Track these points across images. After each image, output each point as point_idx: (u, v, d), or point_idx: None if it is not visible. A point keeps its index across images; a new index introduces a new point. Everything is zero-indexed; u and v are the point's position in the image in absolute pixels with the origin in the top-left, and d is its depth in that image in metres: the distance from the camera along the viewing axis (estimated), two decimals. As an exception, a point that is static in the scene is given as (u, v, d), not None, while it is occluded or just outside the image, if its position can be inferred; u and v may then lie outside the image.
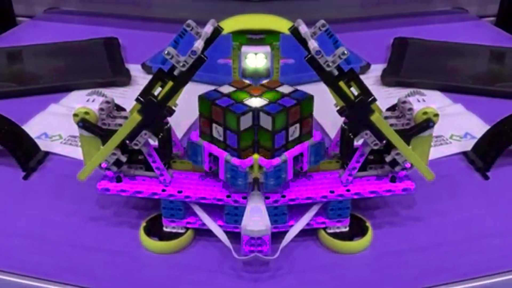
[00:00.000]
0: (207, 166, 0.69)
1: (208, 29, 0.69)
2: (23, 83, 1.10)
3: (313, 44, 0.64)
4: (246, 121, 0.65)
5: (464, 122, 0.96)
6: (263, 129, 0.65)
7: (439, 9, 1.53)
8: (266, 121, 0.65)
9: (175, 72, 0.66)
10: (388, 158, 0.69)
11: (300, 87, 0.72)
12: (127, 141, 0.68)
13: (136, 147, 0.68)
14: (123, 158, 0.69)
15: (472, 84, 1.09)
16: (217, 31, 0.69)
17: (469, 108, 1.01)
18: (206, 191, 0.69)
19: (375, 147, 0.68)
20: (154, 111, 0.67)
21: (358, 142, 0.69)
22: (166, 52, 0.64)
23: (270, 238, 0.65)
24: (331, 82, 0.65)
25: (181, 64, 0.64)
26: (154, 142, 0.69)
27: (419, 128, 0.68)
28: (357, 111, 0.66)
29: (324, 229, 0.71)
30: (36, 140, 0.89)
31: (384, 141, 0.67)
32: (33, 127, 0.93)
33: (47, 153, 0.88)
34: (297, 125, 0.68)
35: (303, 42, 0.68)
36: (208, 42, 0.68)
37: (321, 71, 0.65)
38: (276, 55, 0.75)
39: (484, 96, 1.06)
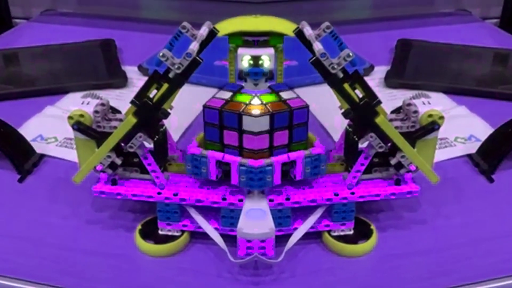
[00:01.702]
0: (214, 175, 0.68)
1: (204, 31, 0.68)
2: (19, 85, 1.10)
3: (318, 46, 0.64)
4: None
5: (469, 124, 0.96)
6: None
7: (442, 11, 1.53)
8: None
9: (170, 75, 0.65)
10: (393, 161, 0.68)
11: (303, 89, 0.71)
12: (122, 144, 0.67)
13: (131, 150, 0.67)
14: (118, 161, 0.68)
15: (476, 86, 1.08)
16: (212, 33, 0.69)
17: (473, 111, 1.00)
18: (202, 194, 0.69)
19: (380, 150, 0.67)
20: (149, 114, 0.66)
21: (362, 145, 0.68)
22: (161, 54, 0.63)
23: (274, 241, 0.65)
24: (336, 84, 0.65)
25: (176, 67, 0.64)
26: (149, 145, 0.69)
27: (424, 130, 0.67)
28: (362, 114, 0.65)
29: (329, 232, 0.70)
30: (32, 143, 0.88)
31: (389, 144, 0.67)
32: (29, 130, 0.92)
33: (42, 156, 0.88)
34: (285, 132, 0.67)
35: (308, 44, 0.67)
36: (204, 44, 0.68)
37: (326, 74, 0.64)
38: (280, 57, 0.75)
39: (488, 98, 1.06)
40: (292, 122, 0.66)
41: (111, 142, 0.67)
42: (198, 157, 0.67)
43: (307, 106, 0.66)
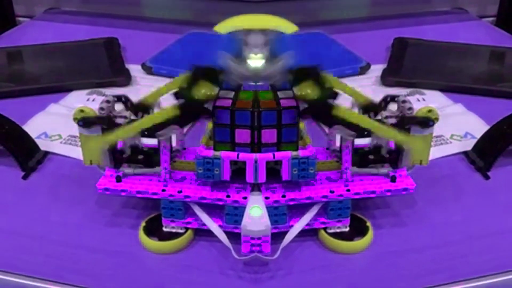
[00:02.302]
0: (228, 175, 0.68)
1: None
2: (23, 83, 1.11)
3: None
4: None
5: (465, 122, 0.96)
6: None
7: (439, 9, 1.53)
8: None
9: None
10: (371, 143, 0.69)
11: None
12: (148, 132, 0.67)
13: (160, 138, 0.67)
14: (141, 145, 0.69)
15: (472, 84, 1.09)
16: None
17: (469, 108, 1.00)
18: (206, 191, 0.69)
19: (351, 138, 0.67)
20: (192, 110, 0.66)
21: (357, 142, 0.69)
22: None
23: (270, 238, 0.65)
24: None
25: None
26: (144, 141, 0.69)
27: (418, 119, 0.67)
28: (319, 111, 0.66)
29: (325, 229, 0.70)
30: (36, 140, 0.88)
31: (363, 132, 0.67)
32: (33, 127, 0.93)
33: (46, 153, 0.88)
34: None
35: None
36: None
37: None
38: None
39: (484, 96, 1.06)
40: (280, 121, 0.65)
41: (145, 122, 0.67)
42: (211, 160, 0.66)
43: (297, 107, 0.65)
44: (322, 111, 0.66)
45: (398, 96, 0.70)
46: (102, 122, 0.67)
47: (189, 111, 0.66)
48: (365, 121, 0.67)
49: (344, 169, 0.70)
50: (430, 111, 0.67)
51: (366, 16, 1.49)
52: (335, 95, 0.75)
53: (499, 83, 1.10)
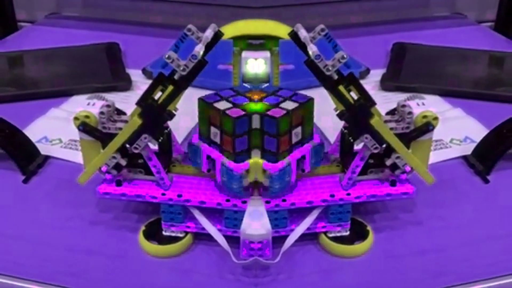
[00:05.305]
0: (205, 167, 0.68)
1: (209, 33, 0.68)
2: (24, 88, 1.11)
3: (312, 48, 0.64)
4: (241, 126, 0.65)
5: (464, 126, 0.96)
6: (267, 133, 0.65)
7: (438, 15, 1.54)
8: (271, 125, 0.65)
9: (176, 76, 0.66)
10: (388, 162, 0.69)
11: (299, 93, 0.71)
12: (127, 145, 0.68)
13: (136, 151, 0.67)
14: (123, 162, 0.69)
15: (472, 89, 1.09)
16: (217, 35, 0.69)
17: (468, 113, 1.00)
18: (206, 195, 0.69)
19: (375, 151, 0.67)
20: (154, 115, 0.66)
21: (357, 146, 0.69)
22: (166, 56, 0.64)
23: (271, 242, 0.65)
24: (331, 86, 0.65)
25: (181, 68, 0.64)
26: (154, 146, 0.69)
27: (418, 131, 0.67)
28: (357, 115, 0.66)
29: (325, 233, 0.70)
30: (36, 144, 0.89)
31: (384, 145, 0.67)
32: (34, 131, 0.93)
33: (47, 157, 0.88)
34: (299, 128, 0.67)
35: (303, 46, 0.67)
36: (209, 46, 0.68)
37: (321, 75, 0.64)
38: (275, 61, 0.75)
39: (483, 101, 1.06)
40: (263, 128, 0.65)
41: (116, 143, 0.67)
42: (195, 147, 0.68)
43: (277, 119, 0.64)
44: (362, 116, 0.66)
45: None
46: (98, 138, 0.68)
47: (150, 117, 0.66)
48: (395, 142, 0.67)
49: (350, 172, 0.69)
50: (425, 116, 0.67)
51: (366, 21, 1.49)
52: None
53: (498, 87, 1.10)
